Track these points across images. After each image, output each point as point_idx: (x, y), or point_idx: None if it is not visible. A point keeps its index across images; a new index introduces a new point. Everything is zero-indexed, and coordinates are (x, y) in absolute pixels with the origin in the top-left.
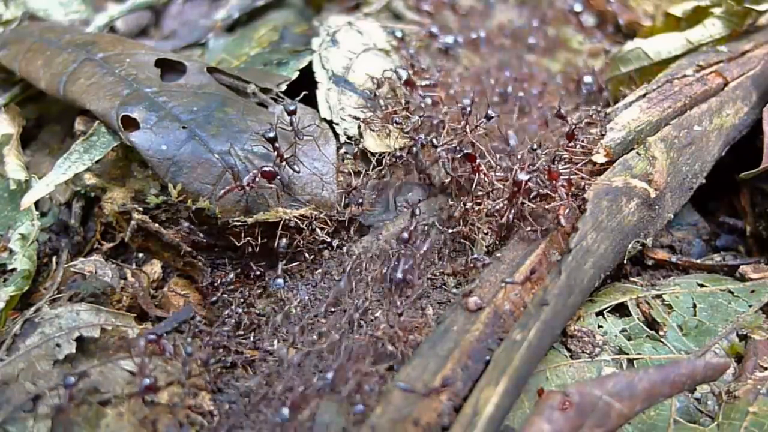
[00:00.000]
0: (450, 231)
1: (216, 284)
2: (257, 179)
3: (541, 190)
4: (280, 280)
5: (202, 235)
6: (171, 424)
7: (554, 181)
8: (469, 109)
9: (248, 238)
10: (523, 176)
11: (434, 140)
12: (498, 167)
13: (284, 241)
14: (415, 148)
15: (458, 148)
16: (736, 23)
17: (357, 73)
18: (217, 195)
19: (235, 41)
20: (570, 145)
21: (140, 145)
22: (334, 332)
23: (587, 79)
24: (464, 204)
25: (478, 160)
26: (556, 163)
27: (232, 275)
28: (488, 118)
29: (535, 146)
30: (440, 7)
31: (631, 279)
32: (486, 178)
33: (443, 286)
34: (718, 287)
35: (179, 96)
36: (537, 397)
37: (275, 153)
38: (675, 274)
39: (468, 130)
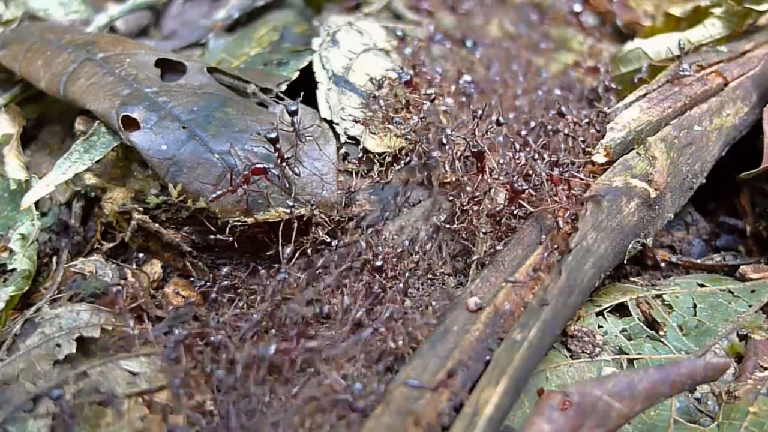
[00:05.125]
0: (450, 231)
1: (216, 285)
2: (249, 179)
3: (540, 196)
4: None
5: (201, 235)
6: (171, 424)
7: (555, 186)
8: (480, 112)
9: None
10: (521, 186)
11: (443, 138)
12: (500, 171)
13: (283, 241)
14: (416, 148)
15: (470, 143)
16: (736, 23)
17: (357, 73)
18: (210, 197)
19: (235, 41)
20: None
21: (140, 145)
22: (335, 332)
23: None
24: (464, 204)
25: (485, 160)
26: (556, 167)
27: (230, 273)
28: (498, 123)
29: (518, 146)
30: (440, 7)
31: (631, 279)
32: (490, 179)
33: (443, 286)
34: (718, 287)
35: (179, 96)
36: (537, 397)
37: (276, 154)
38: (675, 274)
39: (477, 133)
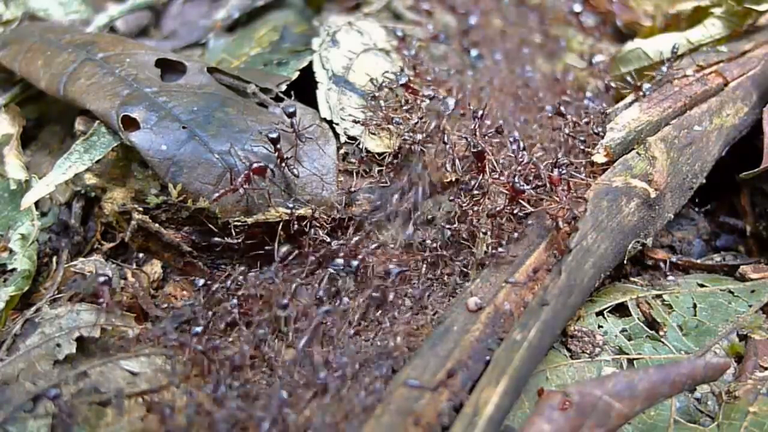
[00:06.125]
0: (450, 230)
1: (214, 285)
2: (251, 178)
3: (540, 196)
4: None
5: (201, 235)
6: (171, 424)
7: (555, 186)
8: (481, 112)
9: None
10: (521, 186)
11: (445, 138)
12: (500, 172)
13: (283, 242)
14: (417, 148)
15: (471, 142)
16: (736, 23)
17: (357, 73)
18: (211, 198)
19: (235, 41)
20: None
21: (140, 145)
22: (335, 331)
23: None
24: (464, 204)
25: (485, 160)
26: (555, 167)
27: (229, 274)
28: (499, 131)
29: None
30: (440, 7)
31: (631, 279)
32: (490, 179)
33: (443, 286)
34: (718, 287)
35: (179, 96)
36: (537, 397)
37: (276, 154)
38: (675, 274)
39: (477, 134)
